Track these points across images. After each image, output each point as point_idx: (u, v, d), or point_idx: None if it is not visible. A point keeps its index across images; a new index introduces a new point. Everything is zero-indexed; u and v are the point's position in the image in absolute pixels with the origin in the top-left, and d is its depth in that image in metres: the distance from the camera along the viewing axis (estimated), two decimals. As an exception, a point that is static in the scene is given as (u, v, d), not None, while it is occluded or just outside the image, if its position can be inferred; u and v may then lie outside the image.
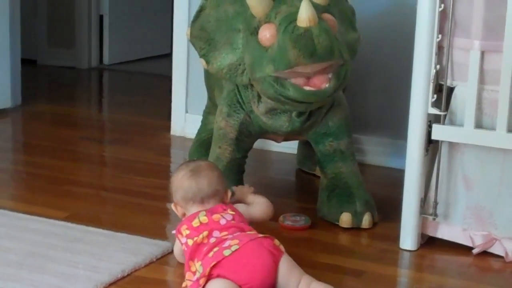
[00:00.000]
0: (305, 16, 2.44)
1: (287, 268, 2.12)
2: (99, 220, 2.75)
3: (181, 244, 2.26)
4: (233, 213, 2.27)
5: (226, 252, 2.09)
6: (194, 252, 2.19)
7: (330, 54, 2.48)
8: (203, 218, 2.23)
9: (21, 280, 2.22)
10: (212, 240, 2.17)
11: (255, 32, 2.59)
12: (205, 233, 2.19)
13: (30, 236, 2.54)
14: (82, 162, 3.52)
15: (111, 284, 2.24)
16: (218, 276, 2.07)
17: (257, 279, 2.07)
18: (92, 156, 3.64)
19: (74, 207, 2.86)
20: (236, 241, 2.12)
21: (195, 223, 2.23)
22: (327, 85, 2.51)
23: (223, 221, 2.23)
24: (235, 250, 2.09)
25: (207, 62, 2.75)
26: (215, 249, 2.12)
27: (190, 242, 2.21)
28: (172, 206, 2.37)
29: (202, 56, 2.77)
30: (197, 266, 2.15)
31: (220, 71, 2.73)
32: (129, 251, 2.44)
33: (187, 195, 2.31)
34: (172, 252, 2.46)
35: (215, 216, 2.24)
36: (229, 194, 2.37)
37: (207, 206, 2.29)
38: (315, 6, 2.50)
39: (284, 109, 2.66)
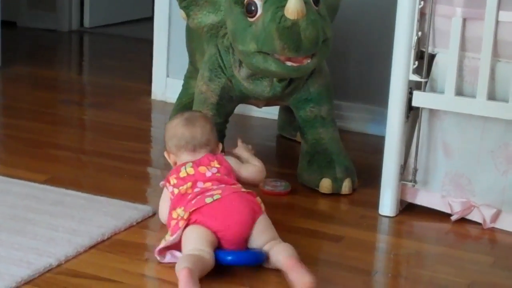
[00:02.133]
0: (293, 8, 2.42)
1: (263, 227, 2.16)
2: (79, 183, 2.74)
3: (168, 193, 2.30)
4: (219, 166, 2.31)
5: (208, 200, 2.15)
6: (178, 201, 2.23)
7: (315, 47, 2.49)
8: (190, 169, 2.28)
9: (0, 243, 2.22)
10: (196, 190, 2.22)
11: (239, 2, 2.57)
12: (189, 184, 2.24)
13: (9, 198, 2.53)
14: (62, 125, 3.50)
15: (91, 247, 2.24)
16: (195, 221, 2.13)
17: (232, 229, 2.12)
18: (72, 120, 3.62)
19: (54, 170, 2.86)
20: (219, 191, 2.18)
21: (182, 173, 2.28)
22: (309, 61, 2.52)
23: (208, 174, 2.28)
24: (217, 199, 2.15)
25: (187, 16, 2.75)
26: (198, 197, 2.18)
27: (176, 191, 2.26)
28: (165, 154, 2.42)
29: (182, 7, 2.76)
30: (179, 212, 2.18)
31: (201, 28, 2.74)
32: (109, 214, 2.44)
33: (180, 143, 2.37)
34: (152, 215, 2.47)
35: (201, 168, 2.28)
36: (220, 147, 2.43)
37: (197, 155, 2.34)
38: None
39: (265, 75, 2.66)
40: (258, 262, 2.13)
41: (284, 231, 2.40)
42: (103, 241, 2.29)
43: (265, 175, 2.47)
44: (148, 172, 2.96)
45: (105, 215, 2.43)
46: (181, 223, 2.14)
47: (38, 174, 2.78)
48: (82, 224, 2.36)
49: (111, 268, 2.15)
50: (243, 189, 2.23)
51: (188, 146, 2.36)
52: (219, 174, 2.28)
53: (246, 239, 2.15)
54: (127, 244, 2.28)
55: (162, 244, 2.16)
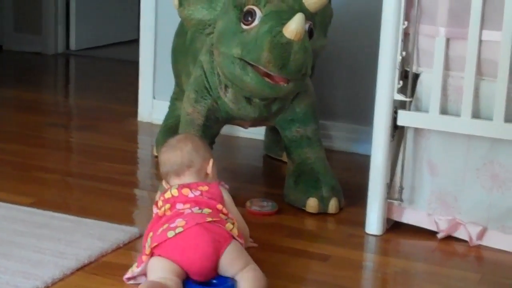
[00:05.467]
0: (293, 29, 2.43)
1: (230, 258, 2.10)
2: (65, 206, 2.74)
3: (153, 215, 2.28)
4: (204, 188, 2.26)
5: (170, 234, 2.11)
6: (155, 223, 2.21)
7: (298, 73, 2.51)
8: (174, 191, 2.25)
9: (-13, 266, 2.21)
10: (174, 211, 2.20)
11: (239, 7, 2.58)
12: (168, 205, 2.22)
13: (-4, 222, 2.53)
14: (49, 148, 3.50)
15: (78, 269, 2.24)
16: (159, 255, 2.11)
17: (195, 265, 2.09)
18: (58, 142, 3.62)
19: (40, 193, 2.85)
20: (183, 223, 2.13)
21: (167, 195, 2.26)
22: (285, 84, 2.54)
23: (190, 195, 2.24)
24: (179, 233, 2.11)
25: (180, 4, 2.75)
26: (165, 226, 2.14)
27: (159, 212, 2.24)
28: (163, 182, 2.38)
29: None
30: (149, 238, 2.17)
31: (189, 20, 2.74)
32: (96, 237, 2.43)
33: (163, 169, 2.35)
34: (139, 237, 2.45)
35: (185, 190, 2.25)
36: (211, 162, 2.34)
37: (184, 179, 2.30)
38: (304, 11, 2.50)
39: (243, 94, 2.66)
40: None
41: (271, 251, 2.41)
42: (90, 263, 2.29)
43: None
44: (134, 193, 2.96)
45: (92, 237, 2.43)
46: (144, 258, 2.13)
47: (25, 197, 2.78)
48: (68, 246, 2.36)
49: (98, 290, 2.15)
50: (210, 219, 2.16)
51: (171, 172, 2.32)
52: (201, 196, 2.24)
53: (212, 270, 2.10)
54: (114, 266, 2.27)
55: (129, 274, 2.16)
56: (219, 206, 2.23)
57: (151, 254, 2.12)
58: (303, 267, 2.35)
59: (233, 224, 2.19)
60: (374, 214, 2.59)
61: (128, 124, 3.88)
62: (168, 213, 2.21)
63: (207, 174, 2.34)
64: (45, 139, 3.63)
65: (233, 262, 2.10)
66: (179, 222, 2.14)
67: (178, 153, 2.33)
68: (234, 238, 2.16)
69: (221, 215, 2.21)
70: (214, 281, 2.12)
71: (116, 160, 3.29)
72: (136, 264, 2.17)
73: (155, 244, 2.11)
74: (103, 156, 3.34)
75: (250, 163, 3.41)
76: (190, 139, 2.41)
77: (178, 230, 2.11)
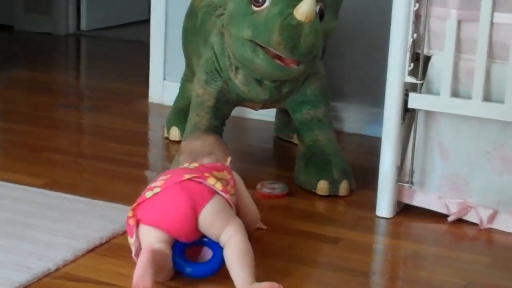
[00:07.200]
0: (304, 10, 2.43)
1: (208, 217, 2.08)
2: (77, 187, 2.75)
3: None
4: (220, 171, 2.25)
5: (148, 194, 2.12)
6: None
7: (309, 55, 2.51)
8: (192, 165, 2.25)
9: (-1, 248, 2.23)
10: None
11: None
12: (168, 176, 2.19)
13: (8, 203, 2.54)
14: (60, 129, 3.51)
15: (89, 251, 2.25)
16: (140, 219, 2.09)
17: (172, 227, 2.07)
18: (69, 123, 3.63)
19: (52, 175, 2.86)
20: (161, 182, 2.13)
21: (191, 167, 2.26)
22: (295, 66, 2.54)
23: (191, 167, 2.24)
24: (156, 193, 2.11)
25: None
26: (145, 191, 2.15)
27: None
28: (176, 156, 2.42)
29: None
30: None
31: (199, 2, 2.77)
32: (107, 218, 2.44)
33: (183, 156, 2.36)
34: (150, 219, 2.47)
35: (185, 164, 2.27)
36: (228, 160, 2.34)
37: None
38: None
39: (254, 76, 2.67)
40: (217, 270, 2.07)
41: (281, 233, 2.42)
42: (101, 245, 2.30)
43: (254, 226, 2.38)
44: (145, 175, 2.96)
45: (103, 219, 2.44)
46: (131, 221, 2.11)
47: (36, 179, 2.79)
48: (80, 228, 2.37)
49: (109, 271, 2.15)
50: (188, 175, 2.11)
51: (189, 158, 2.32)
52: (199, 166, 2.22)
53: (194, 230, 2.08)
54: (125, 248, 2.27)
55: (133, 249, 2.13)
56: (225, 173, 2.21)
57: (134, 216, 2.10)
58: (313, 250, 2.36)
59: (216, 178, 2.15)
60: (385, 197, 2.59)
61: (139, 105, 3.89)
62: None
63: None
64: (56, 120, 3.64)
65: (212, 222, 2.08)
66: (159, 181, 2.14)
67: (200, 141, 2.38)
68: (217, 192, 2.12)
69: (215, 172, 2.17)
70: (205, 239, 2.11)
71: (127, 142, 3.29)
72: (129, 236, 2.15)
73: (135, 204, 2.12)
74: (114, 137, 3.35)
75: (261, 145, 3.41)
76: (214, 135, 2.47)
77: (156, 190, 2.11)
